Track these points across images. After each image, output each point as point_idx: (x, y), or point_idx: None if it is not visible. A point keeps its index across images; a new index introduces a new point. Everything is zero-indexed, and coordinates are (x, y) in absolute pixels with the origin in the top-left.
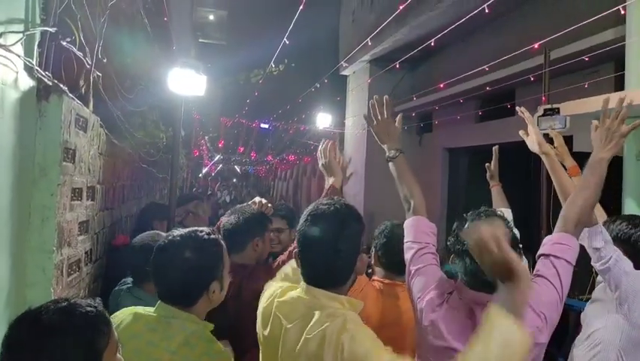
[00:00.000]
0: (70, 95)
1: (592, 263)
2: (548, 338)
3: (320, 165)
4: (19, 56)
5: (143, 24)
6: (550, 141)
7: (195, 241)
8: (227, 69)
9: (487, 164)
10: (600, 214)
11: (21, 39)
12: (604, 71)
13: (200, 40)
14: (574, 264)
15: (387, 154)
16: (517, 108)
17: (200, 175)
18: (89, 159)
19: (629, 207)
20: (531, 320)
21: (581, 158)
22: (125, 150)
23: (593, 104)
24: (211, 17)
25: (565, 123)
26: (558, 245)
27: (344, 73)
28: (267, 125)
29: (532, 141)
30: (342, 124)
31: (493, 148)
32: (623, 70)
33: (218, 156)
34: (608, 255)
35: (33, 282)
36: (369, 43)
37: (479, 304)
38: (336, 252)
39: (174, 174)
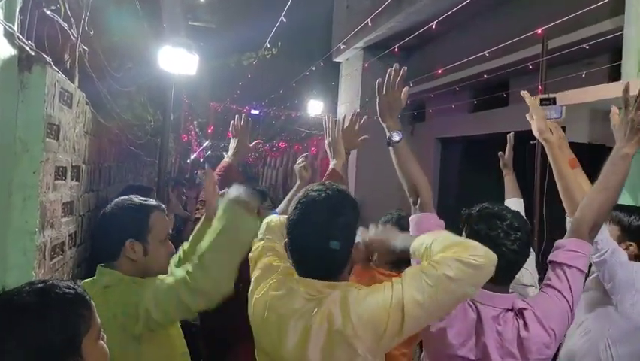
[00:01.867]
0: (55, 68)
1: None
2: (555, 350)
3: (325, 143)
4: None
5: (132, 0)
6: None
7: (116, 205)
8: (218, 53)
9: (500, 153)
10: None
11: (1, 1)
12: (599, 62)
13: (189, 22)
14: (586, 271)
15: (388, 136)
16: (521, 93)
17: (188, 161)
18: (74, 137)
19: (624, 200)
20: (540, 336)
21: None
22: (112, 131)
23: (590, 94)
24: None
25: (561, 113)
26: (570, 252)
27: (337, 59)
28: (257, 112)
29: (534, 127)
30: (334, 111)
31: (508, 136)
32: (619, 61)
33: (207, 142)
34: (606, 248)
35: (13, 265)
36: (369, 25)
37: (486, 305)
38: (328, 241)
39: (163, 158)
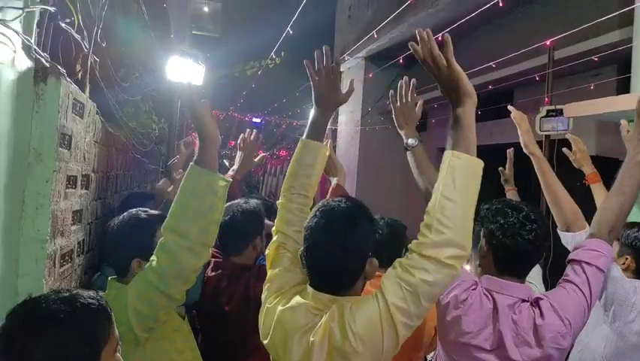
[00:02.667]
0: (68, 79)
1: None
2: (571, 344)
3: None
4: (17, 33)
5: (140, 10)
6: (568, 145)
7: (122, 223)
8: (221, 62)
9: (500, 168)
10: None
11: (20, 15)
12: (606, 73)
13: (193, 32)
14: (605, 271)
15: (405, 142)
16: (508, 107)
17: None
18: (85, 147)
19: (634, 212)
20: (555, 325)
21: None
22: (120, 139)
23: (598, 106)
24: (205, 9)
25: (568, 125)
26: (590, 251)
27: None
28: (259, 120)
29: (521, 140)
30: (335, 119)
31: (508, 151)
32: (627, 73)
33: None
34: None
35: (25, 273)
36: (370, 35)
37: (502, 294)
38: (344, 251)
39: (168, 167)
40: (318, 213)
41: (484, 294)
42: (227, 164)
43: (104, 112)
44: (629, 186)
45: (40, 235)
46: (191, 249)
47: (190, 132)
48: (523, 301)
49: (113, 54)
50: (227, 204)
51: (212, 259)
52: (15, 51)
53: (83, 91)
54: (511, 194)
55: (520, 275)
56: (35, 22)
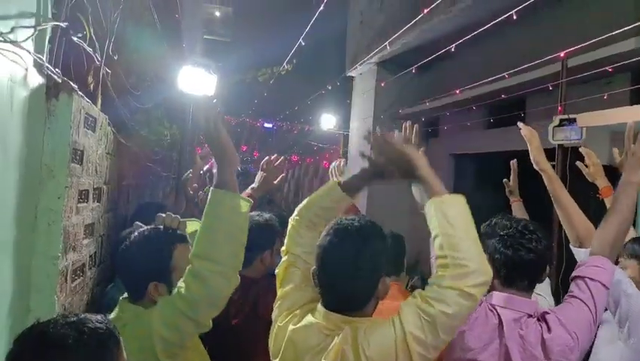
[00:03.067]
0: (80, 93)
1: None
2: (580, 359)
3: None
4: (29, 53)
5: (152, 20)
6: (581, 158)
7: (138, 244)
8: (232, 67)
9: (504, 180)
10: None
11: (32, 35)
12: (619, 81)
13: (205, 36)
14: (609, 287)
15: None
16: (518, 123)
17: (202, 172)
18: (97, 160)
19: None
20: (563, 338)
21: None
22: (131, 149)
23: (610, 117)
24: (217, 13)
25: (581, 135)
26: (593, 268)
27: (350, 74)
28: (270, 125)
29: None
30: (346, 125)
31: (511, 162)
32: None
33: None
34: (618, 283)
35: (37, 288)
36: (383, 41)
37: (507, 308)
38: (357, 270)
39: (181, 172)
40: (331, 231)
41: (490, 309)
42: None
43: (116, 122)
44: (625, 205)
45: (51, 251)
46: (222, 273)
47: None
48: (529, 316)
49: (125, 63)
50: None
51: None
52: (27, 69)
53: (95, 103)
54: (517, 205)
55: (526, 288)
56: (47, 38)
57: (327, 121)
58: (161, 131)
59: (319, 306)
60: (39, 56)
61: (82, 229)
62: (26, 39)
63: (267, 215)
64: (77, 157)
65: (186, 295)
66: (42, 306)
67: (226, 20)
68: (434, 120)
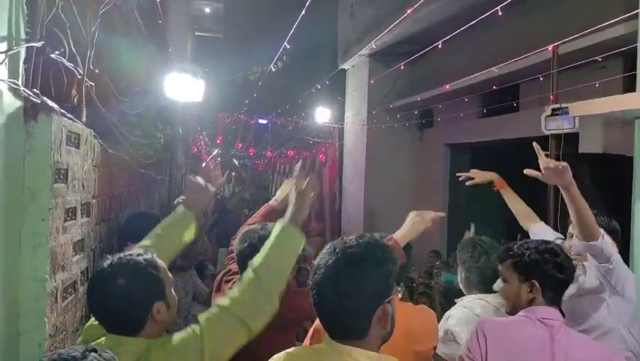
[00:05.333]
0: (61, 110)
1: (599, 264)
2: None
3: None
4: (2, 80)
5: (137, 24)
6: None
7: (127, 267)
8: (224, 62)
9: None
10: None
11: (4, 60)
12: (612, 66)
13: (196, 33)
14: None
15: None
16: (534, 144)
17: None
18: (83, 175)
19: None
20: None
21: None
22: (121, 158)
23: (603, 105)
24: (207, 10)
25: (574, 123)
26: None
27: (343, 66)
28: (265, 121)
29: (547, 176)
30: (341, 118)
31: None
32: (633, 67)
33: (217, 150)
34: (614, 258)
35: (26, 312)
36: (373, 32)
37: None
38: (346, 296)
39: (173, 174)
40: (326, 253)
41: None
42: (236, 163)
43: (104, 131)
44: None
45: (39, 274)
46: (278, 291)
47: (197, 135)
48: None
49: (111, 71)
50: (244, 230)
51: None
52: (2, 92)
53: (80, 116)
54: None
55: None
56: (22, 60)
57: (322, 114)
58: (153, 133)
59: (325, 337)
60: (13, 81)
61: (70, 247)
62: None
63: (270, 227)
64: (61, 176)
65: (240, 299)
66: (32, 329)
67: (217, 16)
68: (428, 110)
